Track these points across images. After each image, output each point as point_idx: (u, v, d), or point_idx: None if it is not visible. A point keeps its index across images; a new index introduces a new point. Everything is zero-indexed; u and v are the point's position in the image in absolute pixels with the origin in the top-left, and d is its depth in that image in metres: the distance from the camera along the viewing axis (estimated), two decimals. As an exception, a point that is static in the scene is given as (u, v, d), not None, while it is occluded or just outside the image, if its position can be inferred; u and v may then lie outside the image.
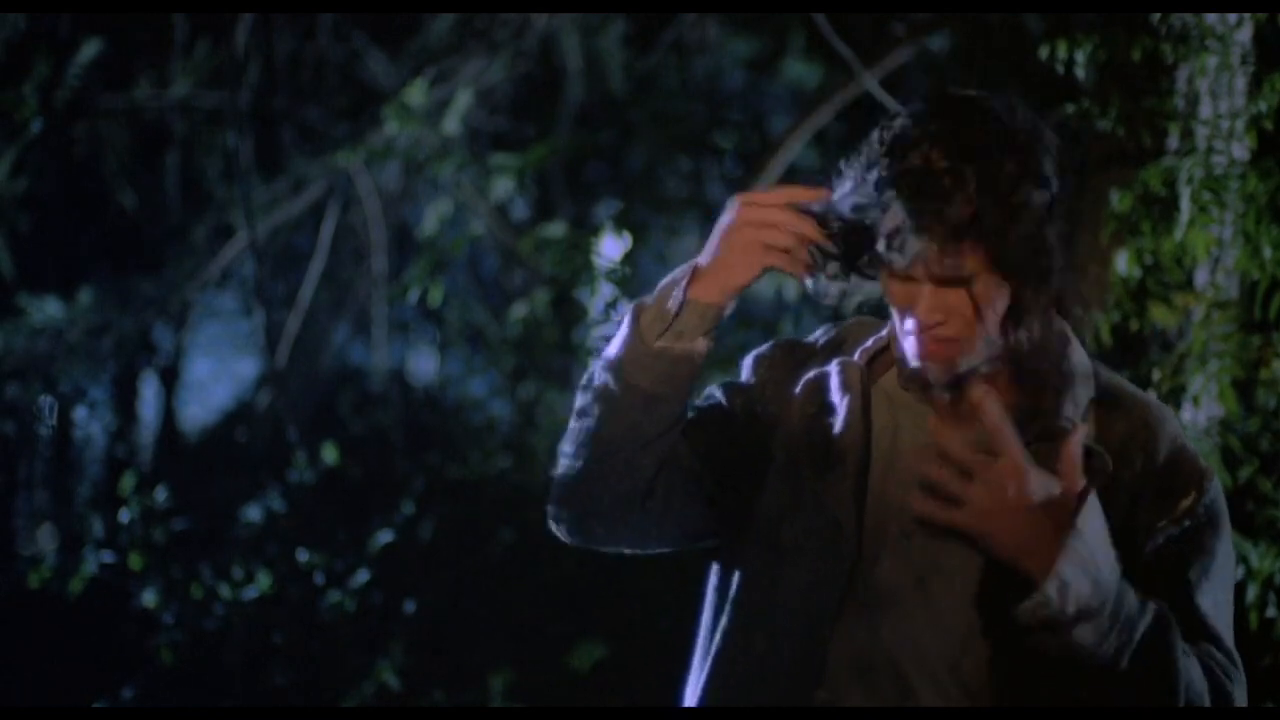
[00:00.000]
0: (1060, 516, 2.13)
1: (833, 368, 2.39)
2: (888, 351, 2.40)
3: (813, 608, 2.31)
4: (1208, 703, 2.22)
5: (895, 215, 2.20)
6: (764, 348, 2.51)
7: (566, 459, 2.40)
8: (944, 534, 2.27)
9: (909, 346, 2.29)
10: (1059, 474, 2.14)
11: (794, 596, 2.32)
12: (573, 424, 2.39)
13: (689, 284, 2.32)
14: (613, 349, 2.36)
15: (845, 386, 2.37)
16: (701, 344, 2.33)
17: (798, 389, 2.41)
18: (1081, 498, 2.14)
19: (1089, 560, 2.13)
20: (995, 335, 2.25)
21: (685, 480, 2.40)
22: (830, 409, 2.37)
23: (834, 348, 2.45)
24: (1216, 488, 2.32)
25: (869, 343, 2.41)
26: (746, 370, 2.49)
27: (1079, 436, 2.17)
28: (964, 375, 2.28)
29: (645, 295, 2.37)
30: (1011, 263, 2.21)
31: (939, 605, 2.27)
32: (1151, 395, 2.37)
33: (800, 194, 2.28)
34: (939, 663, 2.27)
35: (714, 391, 2.49)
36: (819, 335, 2.50)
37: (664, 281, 2.35)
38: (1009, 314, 2.24)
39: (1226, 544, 2.32)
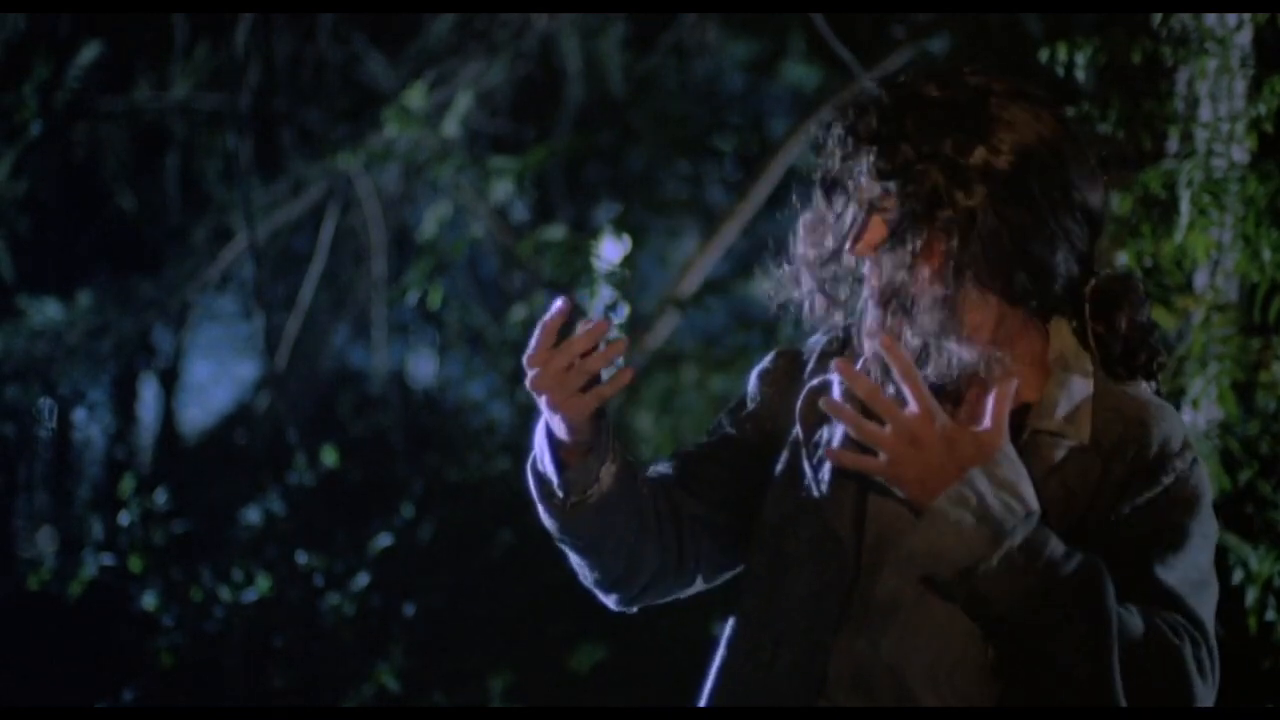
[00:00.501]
0: (970, 458, 2.17)
1: (834, 377, 2.38)
2: None
3: (813, 618, 2.31)
4: (1149, 655, 2.19)
5: (838, 135, 2.27)
6: (766, 361, 2.50)
7: (581, 574, 2.43)
8: None
9: (866, 313, 2.30)
10: (988, 421, 2.18)
11: (795, 606, 2.32)
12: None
13: (550, 451, 2.30)
14: (541, 513, 2.36)
15: (846, 396, 2.35)
16: (608, 475, 2.31)
17: (800, 398, 2.40)
18: (995, 445, 2.18)
19: (1000, 485, 2.17)
20: (931, 299, 2.25)
21: (709, 531, 2.42)
22: (828, 419, 2.36)
23: (835, 354, 2.43)
24: (1193, 468, 2.30)
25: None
26: (752, 389, 2.48)
27: (1009, 389, 2.19)
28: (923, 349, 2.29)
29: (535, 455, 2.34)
30: (920, 225, 2.23)
31: (940, 617, 2.26)
32: (1154, 396, 2.36)
33: (549, 324, 2.25)
34: (940, 673, 2.26)
35: (722, 421, 2.49)
36: (818, 340, 2.49)
37: (534, 453, 2.33)
38: (933, 294, 2.24)
39: (1204, 526, 2.29)
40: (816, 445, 2.36)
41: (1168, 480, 2.27)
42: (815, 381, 2.40)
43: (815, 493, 2.34)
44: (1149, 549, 2.25)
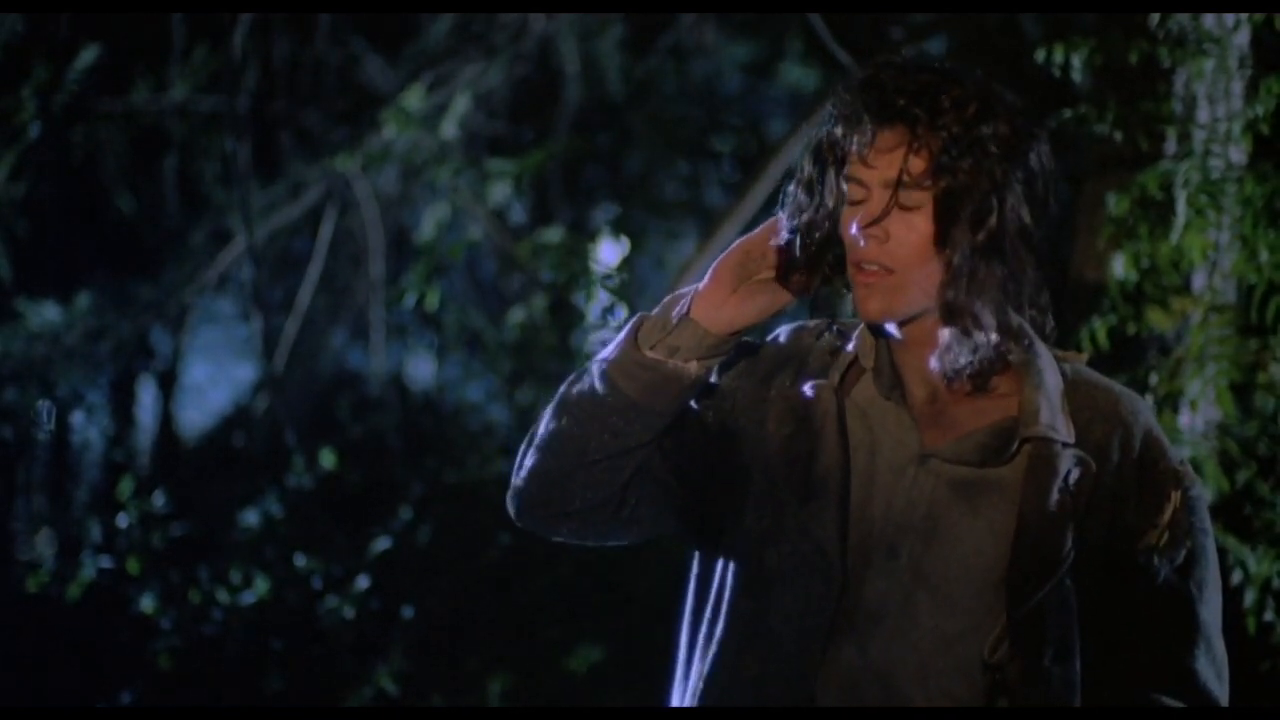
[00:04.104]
0: None
1: (806, 389, 2.36)
2: (857, 364, 2.36)
3: (803, 632, 2.29)
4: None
5: (857, 109, 2.24)
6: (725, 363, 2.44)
7: (541, 456, 2.38)
8: (929, 548, 2.27)
9: (853, 285, 2.27)
10: None
11: (782, 622, 2.30)
12: (551, 422, 2.37)
13: (692, 301, 2.32)
14: (608, 351, 2.36)
15: (820, 409, 2.33)
16: (694, 367, 2.32)
17: (769, 408, 2.37)
18: None
19: None
20: (933, 284, 2.24)
21: (656, 491, 2.40)
22: (805, 432, 2.33)
23: (800, 358, 2.40)
24: (1195, 487, 2.31)
25: (837, 358, 2.37)
26: (713, 375, 2.44)
27: None
28: (904, 322, 2.28)
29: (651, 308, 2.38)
30: (959, 206, 2.21)
31: (926, 620, 2.26)
32: (1116, 384, 2.36)
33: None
34: (929, 674, 2.26)
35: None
36: (778, 338, 2.44)
37: (670, 297, 2.35)
38: (952, 274, 2.23)
39: (1212, 540, 2.32)
40: (794, 458, 2.33)
41: (1177, 509, 2.28)
42: (785, 392, 2.36)
43: (796, 506, 2.31)
44: (1188, 598, 2.29)
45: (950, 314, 2.24)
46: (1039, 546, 2.25)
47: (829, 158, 2.28)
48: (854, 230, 2.25)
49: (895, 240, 2.23)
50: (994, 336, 2.25)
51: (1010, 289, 2.24)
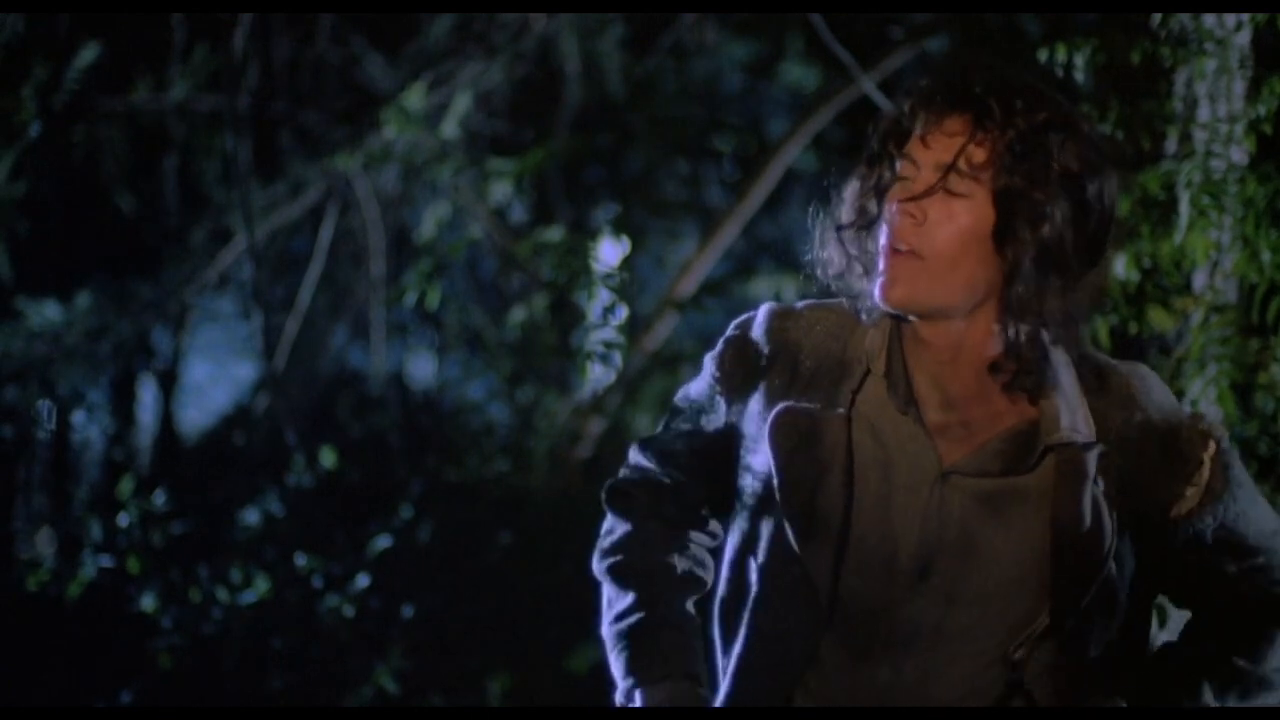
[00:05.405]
0: None
1: (813, 406, 2.28)
2: (867, 370, 2.30)
3: (781, 659, 2.28)
4: None
5: (930, 89, 2.22)
6: (714, 358, 2.39)
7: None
8: (965, 564, 2.23)
9: (880, 271, 2.22)
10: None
11: (770, 634, 2.30)
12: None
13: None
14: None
15: (827, 432, 2.27)
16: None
17: (771, 417, 2.29)
18: None
19: None
20: (960, 284, 2.21)
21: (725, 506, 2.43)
22: (810, 453, 2.26)
23: (791, 355, 2.32)
24: (1224, 440, 2.29)
25: (845, 370, 2.30)
26: (706, 390, 2.39)
27: None
28: (923, 315, 2.24)
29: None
30: (1016, 207, 2.18)
31: (964, 634, 2.23)
32: (1123, 363, 2.34)
33: None
34: (970, 686, 2.24)
35: (689, 430, 2.42)
36: (766, 333, 2.37)
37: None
38: (1004, 279, 2.21)
39: (1250, 486, 2.31)
40: (795, 478, 2.27)
41: (1210, 465, 2.26)
42: (787, 406, 2.30)
43: (792, 530, 2.26)
44: (1242, 537, 2.28)
45: (1012, 314, 2.21)
46: (1079, 550, 2.22)
47: (892, 135, 2.24)
48: (893, 206, 2.21)
49: (931, 224, 2.19)
50: (1027, 345, 2.22)
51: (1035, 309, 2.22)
